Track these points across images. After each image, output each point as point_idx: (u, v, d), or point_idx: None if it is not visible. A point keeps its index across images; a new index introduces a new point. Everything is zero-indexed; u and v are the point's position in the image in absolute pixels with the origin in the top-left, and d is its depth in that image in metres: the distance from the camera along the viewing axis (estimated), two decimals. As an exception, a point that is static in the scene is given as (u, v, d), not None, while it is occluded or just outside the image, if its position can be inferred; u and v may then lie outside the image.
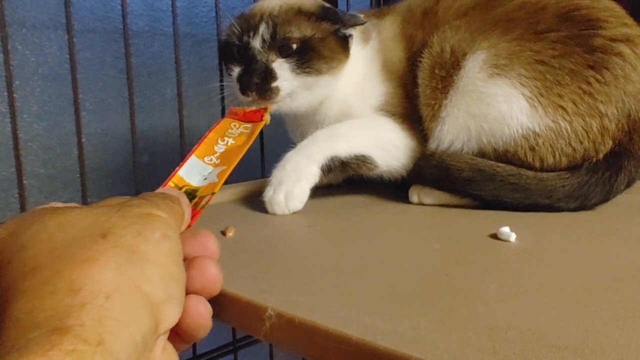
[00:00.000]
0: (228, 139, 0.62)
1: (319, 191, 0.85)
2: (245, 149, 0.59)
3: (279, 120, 1.08)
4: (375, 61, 0.89)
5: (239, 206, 0.84)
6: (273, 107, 0.81)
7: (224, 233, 0.66)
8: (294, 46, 0.80)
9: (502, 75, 0.74)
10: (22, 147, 0.89)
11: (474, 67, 0.77)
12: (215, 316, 0.47)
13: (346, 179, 0.94)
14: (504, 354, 0.34)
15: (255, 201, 0.83)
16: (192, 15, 1.26)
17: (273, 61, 0.80)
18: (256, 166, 1.14)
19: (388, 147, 0.84)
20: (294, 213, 0.78)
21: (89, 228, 0.34)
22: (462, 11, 0.84)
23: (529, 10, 0.78)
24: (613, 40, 0.73)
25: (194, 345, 1.16)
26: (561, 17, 0.76)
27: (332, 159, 0.81)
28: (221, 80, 0.91)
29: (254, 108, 0.71)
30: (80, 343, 0.27)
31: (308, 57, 0.81)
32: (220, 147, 0.60)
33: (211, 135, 0.62)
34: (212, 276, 0.41)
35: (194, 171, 0.55)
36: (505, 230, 0.60)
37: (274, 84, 0.79)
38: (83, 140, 0.93)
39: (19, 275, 0.31)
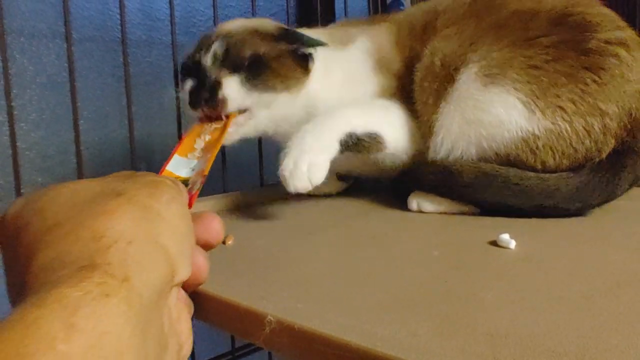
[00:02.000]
0: (204, 135, 0.66)
1: (318, 200, 0.85)
2: (224, 136, 0.64)
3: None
4: (366, 58, 0.89)
5: (238, 215, 0.84)
6: (239, 132, 0.81)
7: (223, 242, 0.66)
8: (245, 63, 0.80)
9: (496, 83, 0.74)
10: (20, 156, 0.89)
11: (468, 79, 0.77)
12: (214, 324, 0.47)
13: (345, 189, 0.94)
14: (503, 360, 0.34)
15: (254, 210, 0.83)
16: (189, 24, 1.27)
17: (223, 77, 0.80)
18: (255, 175, 1.14)
19: (398, 127, 0.84)
20: (292, 220, 0.78)
21: (103, 190, 0.36)
22: (457, 24, 0.84)
23: (521, 17, 0.78)
24: (608, 42, 0.73)
25: (193, 354, 1.15)
26: (553, 22, 0.76)
27: (350, 135, 0.79)
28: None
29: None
30: (109, 277, 0.29)
31: (258, 73, 0.80)
32: (199, 144, 0.63)
33: (187, 138, 0.65)
34: (216, 227, 0.45)
35: (181, 166, 0.58)
36: (505, 237, 0.59)
37: (221, 93, 0.78)
38: (81, 148, 0.93)
39: (40, 232, 0.33)
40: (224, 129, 0.65)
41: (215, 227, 0.45)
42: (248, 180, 1.12)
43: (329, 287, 0.50)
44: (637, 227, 0.69)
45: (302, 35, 0.85)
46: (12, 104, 0.86)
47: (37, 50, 1.04)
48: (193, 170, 0.56)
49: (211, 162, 0.56)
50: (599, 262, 0.54)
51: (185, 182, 0.53)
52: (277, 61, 0.82)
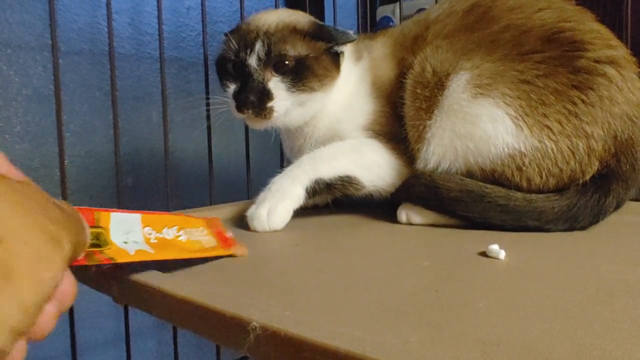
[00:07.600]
0: (185, 235, 0.58)
1: (306, 211, 0.84)
2: (186, 257, 0.55)
3: (264, 143, 1.08)
4: (365, 79, 0.90)
5: (226, 226, 0.83)
6: (266, 124, 0.84)
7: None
8: (289, 64, 0.82)
9: (486, 95, 0.74)
10: (4, 168, 0.87)
11: (458, 87, 0.77)
12: (198, 333, 0.46)
13: (334, 200, 0.93)
14: (497, 366, 0.33)
15: (241, 221, 0.82)
16: (178, 39, 1.27)
17: (269, 80, 0.81)
18: (242, 188, 1.13)
19: (372, 167, 0.85)
20: (279, 232, 0.77)
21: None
22: (450, 37, 0.85)
23: (513, 32, 0.78)
24: (598, 61, 0.74)
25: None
26: (545, 39, 0.76)
27: (317, 182, 0.81)
28: (207, 100, 0.91)
29: (231, 235, 0.67)
30: None
31: (303, 76, 0.82)
32: (169, 234, 0.56)
33: (173, 217, 0.59)
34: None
35: (124, 229, 0.51)
36: (495, 247, 0.59)
37: (270, 104, 0.81)
38: (66, 162, 0.92)
39: None
40: (204, 252, 0.58)
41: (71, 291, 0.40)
42: (235, 193, 1.11)
43: (317, 296, 0.49)
44: (628, 239, 0.69)
45: (336, 32, 0.86)
46: (-3, 115, 0.85)
47: (23, 62, 1.03)
48: (125, 243, 0.49)
49: (142, 258, 0.49)
50: (590, 272, 0.54)
51: (103, 242, 0.47)
52: (317, 62, 0.84)
